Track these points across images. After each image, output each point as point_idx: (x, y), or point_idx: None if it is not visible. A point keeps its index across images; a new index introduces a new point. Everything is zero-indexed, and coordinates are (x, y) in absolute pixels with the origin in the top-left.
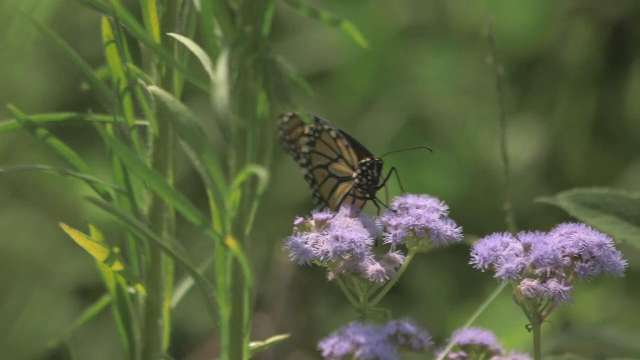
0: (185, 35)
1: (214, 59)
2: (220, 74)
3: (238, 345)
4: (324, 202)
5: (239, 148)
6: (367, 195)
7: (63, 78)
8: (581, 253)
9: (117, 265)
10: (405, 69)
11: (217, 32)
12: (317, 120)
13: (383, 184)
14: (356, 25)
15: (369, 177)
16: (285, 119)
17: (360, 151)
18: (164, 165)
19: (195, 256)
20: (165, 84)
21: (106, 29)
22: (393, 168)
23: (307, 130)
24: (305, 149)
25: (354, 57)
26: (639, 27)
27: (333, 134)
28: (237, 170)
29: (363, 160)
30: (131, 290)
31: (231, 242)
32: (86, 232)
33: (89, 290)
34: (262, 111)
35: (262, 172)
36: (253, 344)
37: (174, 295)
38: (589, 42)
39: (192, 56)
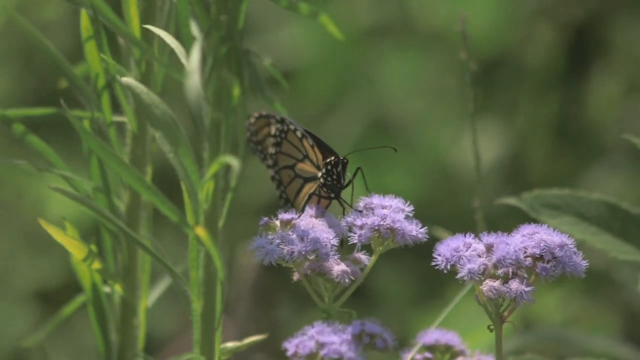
0: (166, 30)
1: (188, 48)
2: (193, 62)
3: (210, 339)
4: (290, 203)
5: (213, 139)
6: (332, 195)
7: (29, 76)
8: (543, 254)
9: (94, 263)
10: (368, 70)
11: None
12: (283, 120)
13: (348, 184)
14: (318, 27)
15: (334, 176)
16: (252, 119)
17: (326, 151)
18: (142, 162)
19: (172, 255)
20: (145, 80)
21: (85, 22)
22: (359, 168)
23: (273, 131)
24: (271, 149)
25: (318, 58)
26: (601, 30)
27: (299, 134)
28: (211, 162)
29: (328, 160)
30: (107, 289)
31: (201, 232)
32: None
33: (49, 295)
34: (236, 102)
35: (235, 163)
36: (230, 344)
37: (150, 294)
38: (551, 44)
39: (173, 52)
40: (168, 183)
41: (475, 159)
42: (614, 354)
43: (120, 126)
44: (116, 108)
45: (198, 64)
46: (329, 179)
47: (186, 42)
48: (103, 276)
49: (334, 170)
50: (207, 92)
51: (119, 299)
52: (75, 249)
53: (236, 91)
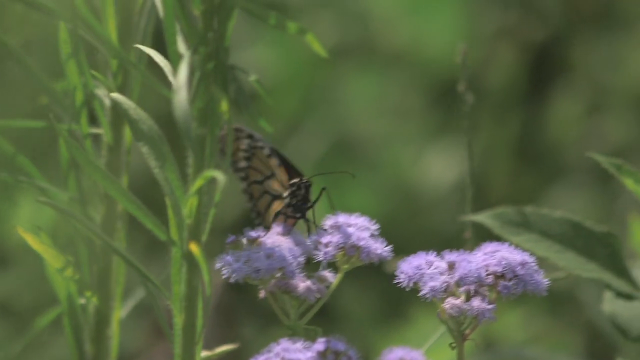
0: (143, 43)
1: (175, 64)
2: (181, 79)
3: (191, 353)
4: (261, 216)
5: (198, 154)
6: (298, 215)
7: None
8: (504, 272)
9: (71, 273)
10: (332, 90)
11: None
12: (251, 136)
13: (313, 204)
14: (284, 48)
15: (299, 198)
16: (224, 132)
17: (292, 171)
18: (118, 174)
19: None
20: (121, 93)
21: (63, 34)
22: (323, 188)
23: (243, 145)
24: (242, 163)
25: (283, 78)
26: (561, 50)
27: (266, 152)
28: (195, 177)
29: (292, 181)
30: (81, 300)
31: (195, 248)
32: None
33: (14, 310)
34: (224, 117)
35: (221, 177)
36: (202, 354)
37: (124, 306)
38: (512, 64)
39: (149, 65)
40: (142, 195)
41: (470, 175)
42: None
43: (97, 138)
44: (93, 120)
45: (185, 80)
46: (293, 199)
47: (173, 59)
48: (79, 286)
49: (298, 192)
50: (192, 108)
51: (93, 309)
52: (51, 257)
53: (224, 107)
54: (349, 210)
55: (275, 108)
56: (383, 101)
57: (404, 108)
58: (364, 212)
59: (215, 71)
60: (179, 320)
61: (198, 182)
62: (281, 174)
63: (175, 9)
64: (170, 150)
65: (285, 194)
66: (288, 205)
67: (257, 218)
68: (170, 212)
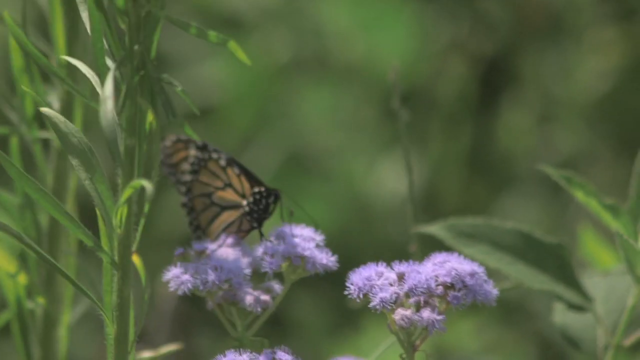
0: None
1: (104, 77)
2: (107, 90)
3: None
4: (200, 230)
5: (127, 165)
6: (255, 225)
7: None
8: (454, 282)
9: (21, 277)
10: (286, 105)
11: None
12: (205, 147)
13: (271, 214)
14: (239, 62)
15: (261, 207)
16: (168, 142)
17: (252, 180)
18: (65, 178)
19: (99, 268)
20: (69, 106)
21: (14, 42)
22: (277, 196)
23: (191, 157)
24: (187, 177)
25: (238, 92)
26: (511, 62)
27: (222, 162)
28: (124, 187)
29: (258, 189)
30: (30, 303)
31: (136, 259)
32: None
33: None
34: (150, 128)
35: (148, 185)
36: (146, 355)
37: (74, 310)
38: (463, 77)
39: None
40: (90, 199)
41: (409, 187)
42: None
43: (46, 142)
44: (43, 125)
45: (111, 92)
46: (255, 208)
47: (102, 72)
48: (28, 289)
49: (264, 200)
50: (121, 119)
51: (41, 312)
52: (5, 262)
53: (150, 117)
54: (303, 221)
55: (230, 122)
56: (337, 114)
57: (357, 121)
58: (317, 224)
59: (141, 83)
60: (110, 330)
61: (127, 192)
62: (243, 182)
63: (101, 22)
64: (105, 161)
65: (246, 202)
66: (248, 214)
67: (195, 231)
68: (100, 222)
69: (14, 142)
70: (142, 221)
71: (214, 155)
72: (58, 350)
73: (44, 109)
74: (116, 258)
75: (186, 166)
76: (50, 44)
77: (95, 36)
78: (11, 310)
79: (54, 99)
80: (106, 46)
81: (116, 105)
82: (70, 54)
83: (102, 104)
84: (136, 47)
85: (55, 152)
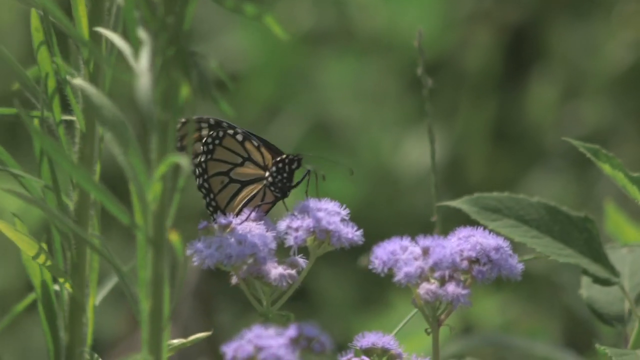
0: (114, 29)
1: (136, 50)
2: (142, 64)
3: (158, 339)
4: (220, 210)
5: (161, 140)
6: (279, 195)
7: None
8: (479, 256)
9: (44, 260)
10: (309, 75)
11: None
12: (219, 124)
13: (297, 184)
14: (261, 31)
15: (284, 174)
16: (178, 125)
17: (272, 150)
18: (90, 161)
19: (120, 255)
20: (93, 80)
21: (35, 22)
22: (309, 170)
23: (204, 137)
24: (201, 157)
25: (261, 62)
26: (538, 33)
27: (240, 137)
28: (159, 162)
29: (280, 157)
30: (56, 287)
31: (174, 236)
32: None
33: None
34: (185, 102)
35: (184, 162)
36: (175, 341)
37: (98, 293)
38: (489, 48)
39: (120, 53)
40: (115, 183)
41: (432, 160)
42: (553, 359)
43: (70, 125)
44: (65, 108)
45: (147, 66)
46: (278, 177)
47: (134, 44)
48: (53, 273)
49: (286, 167)
50: (155, 93)
51: (67, 296)
52: (26, 246)
53: (184, 91)
54: (328, 195)
55: (252, 92)
56: (360, 86)
57: (381, 92)
58: (342, 197)
59: (176, 56)
60: (145, 306)
61: (161, 168)
62: (264, 153)
63: None
64: (137, 136)
65: (268, 172)
66: (271, 184)
67: (214, 213)
68: (134, 198)
69: (36, 123)
70: (177, 197)
71: (229, 132)
72: (85, 334)
73: (76, 81)
74: (150, 234)
75: (199, 146)
76: (73, 24)
77: (127, 7)
78: (37, 293)
79: (77, 78)
80: (138, 18)
81: (151, 78)
82: (92, 34)
83: (137, 78)
84: (170, 18)
85: (80, 134)
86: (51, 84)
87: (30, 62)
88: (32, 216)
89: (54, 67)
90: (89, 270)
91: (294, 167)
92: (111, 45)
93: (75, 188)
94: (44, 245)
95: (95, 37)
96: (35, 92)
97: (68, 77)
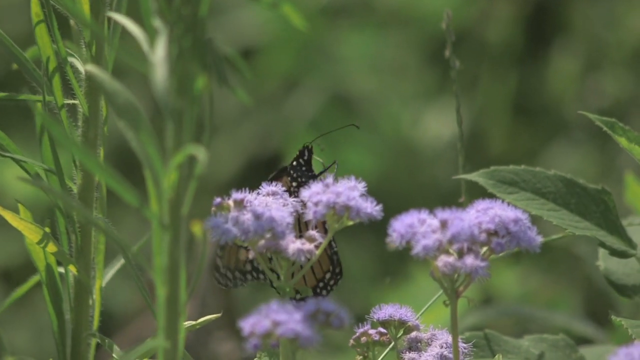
0: (117, 12)
1: (151, 39)
2: (159, 54)
3: (174, 325)
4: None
5: (177, 128)
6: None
7: None
8: (497, 229)
9: (49, 245)
10: (328, 48)
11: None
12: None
13: (322, 172)
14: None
15: (303, 168)
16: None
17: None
18: (94, 145)
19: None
20: (95, 63)
21: (35, 7)
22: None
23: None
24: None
25: (278, 36)
26: (558, 5)
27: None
28: (174, 151)
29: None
30: (60, 270)
31: (197, 227)
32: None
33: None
34: (202, 90)
35: (201, 153)
36: (185, 323)
37: (105, 275)
38: (510, 20)
39: (122, 36)
40: (119, 166)
41: (459, 131)
42: (573, 330)
43: (72, 109)
44: (67, 91)
45: (164, 55)
46: (298, 173)
47: (148, 32)
48: (57, 258)
49: (300, 160)
50: (170, 81)
51: (73, 279)
52: (30, 232)
53: (201, 80)
54: (347, 169)
55: (270, 66)
56: (380, 59)
57: (401, 66)
58: (362, 171)
59: (192, 46)
60: (162, 292)
61: (178, 157)
62: (284, 181)
63: None
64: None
65: (290, 178)
66: (298, 185)
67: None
68: (149, 185)
69: (38, 107)
70: (193, 184)
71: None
72: (92, 316)
73: (89, 67)
74: (166, 221)
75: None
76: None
77: None
78: (41, 277)
79: (78, 64)
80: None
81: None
82: (94, 17)
83: (155, 68)
84: (186, 8)
85: (82, 118)
86: (52, 67)
87: (32, 45)
88: (36, 200)
89: (54, 49)
90: (94, 252)
91: (305, 157)
92: (113, 31)
93: (78, 171)
94: (48, 229)
95: (97, 20)
96: (36, 75)
97: (72, 62)
